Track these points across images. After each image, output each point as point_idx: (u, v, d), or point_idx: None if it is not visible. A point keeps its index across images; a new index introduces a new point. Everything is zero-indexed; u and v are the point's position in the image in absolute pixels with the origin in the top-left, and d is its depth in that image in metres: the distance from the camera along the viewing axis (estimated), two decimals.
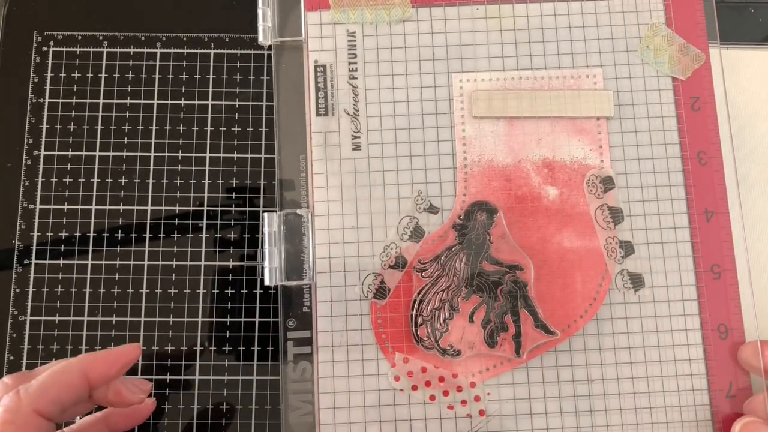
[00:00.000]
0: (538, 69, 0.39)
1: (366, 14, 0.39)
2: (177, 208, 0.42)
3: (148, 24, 0.43)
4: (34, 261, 0.41)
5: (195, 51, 0.43)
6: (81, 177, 0.42)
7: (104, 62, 0.43)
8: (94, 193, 0.42)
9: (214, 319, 0.41)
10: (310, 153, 0.39)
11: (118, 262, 0.41)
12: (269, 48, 0.41)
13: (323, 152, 0.38)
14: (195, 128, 0.42)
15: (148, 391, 0.34)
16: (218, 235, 0.41)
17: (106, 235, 0.41)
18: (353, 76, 0.39)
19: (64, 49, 0.43)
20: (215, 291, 0.41)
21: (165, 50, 0.43)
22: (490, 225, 0.38)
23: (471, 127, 0.39)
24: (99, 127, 0.42)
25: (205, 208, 0.42)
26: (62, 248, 0.41)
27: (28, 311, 0.40)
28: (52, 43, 0.43)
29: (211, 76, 0.43)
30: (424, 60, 0.39)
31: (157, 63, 0.43)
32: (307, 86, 0.39)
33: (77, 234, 0.41)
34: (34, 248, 0.41)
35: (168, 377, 0.40)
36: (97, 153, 0.42)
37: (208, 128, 0.42)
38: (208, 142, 0.42)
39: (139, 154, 0.42)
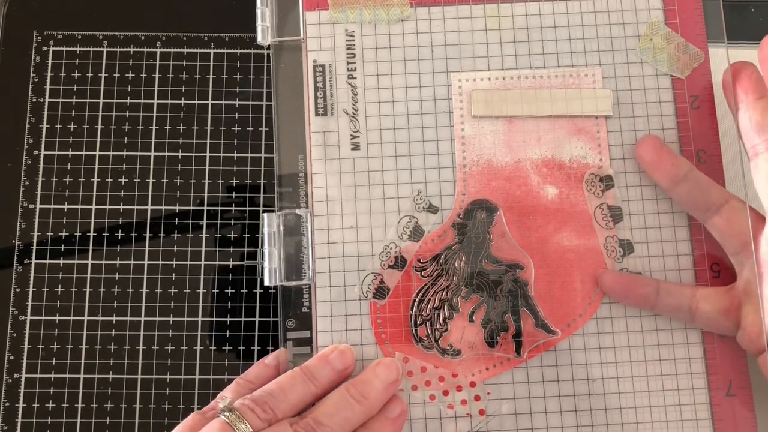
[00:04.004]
0: (536, 68, 0.39)
1: (365, 14, 0.39)
2: (177, 207, 0.42)
3: (148, 24, 0.43)
4: (34, 261, 0.41)
5: (195, 51, 0.43)
6: (81, 177, 0.42)
7: (104, 62, 0.43)
8: (94, 193, 0.42)
9: (214, 319, 0.41)
10: (309, 153, 0.39)
11: (118, 262, 0.41)
12: (269, 48, 0.41)
13: (322, 152, 0.38)
14: (195, 128, 0.42)
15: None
16: (218, 235, 0.41)
17: (106, 235, 0.41)
18: (352, 75, 0.39)
19: (64, 48, 0.43)
20: (215, 291, 0.41)
21: (165, 50, 0.43)
22: (490, 224, 0.38)
23: (470, 126, 0.39)
24: (99, 127, 0.42)
25: (205, 208, 0.42)
26: (62, 248, 0.41)
27: (28, 311, 0.40)
28: (52, 42, 0.43)
29: (211, 76, 0.43)
30: (423, 59, 0.39)
31: (157, 63, 0.43)
32: (306, 86, 0.39)
33: (77, 234, 0.41)
34: (34, 248, 0.41)
35: (168, 377, 0.40)
36: (97, 153, 0.42)
37: (208, 128, 0.42)
38: (208, 141, 0.42)
39: (139, 154, 0.42)
